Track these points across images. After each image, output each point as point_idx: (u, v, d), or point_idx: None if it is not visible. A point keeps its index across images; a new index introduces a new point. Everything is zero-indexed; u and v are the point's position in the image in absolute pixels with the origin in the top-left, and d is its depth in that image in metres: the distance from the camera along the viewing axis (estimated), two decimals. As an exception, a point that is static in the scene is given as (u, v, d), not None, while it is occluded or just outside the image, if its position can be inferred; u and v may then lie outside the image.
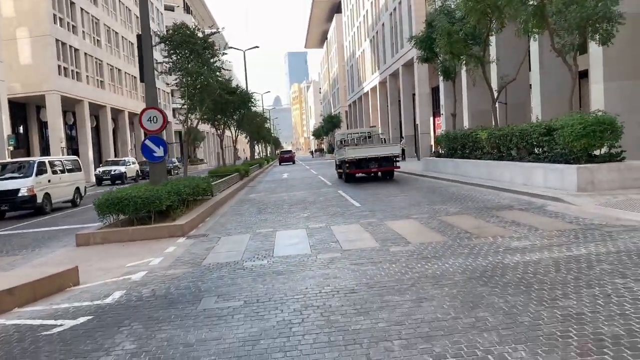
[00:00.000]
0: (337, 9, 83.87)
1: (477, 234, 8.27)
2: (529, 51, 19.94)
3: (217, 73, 18.34)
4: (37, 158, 19.93)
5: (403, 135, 43.44)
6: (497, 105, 19.08)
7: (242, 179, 26.77)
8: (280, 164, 60.33)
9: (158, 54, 20.31)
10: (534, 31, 14.45)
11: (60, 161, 20.40)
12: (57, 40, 36.72)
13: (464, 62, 19.02)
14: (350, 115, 78.63)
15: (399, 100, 45.19)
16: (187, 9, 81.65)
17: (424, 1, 35.38)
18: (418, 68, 36.62)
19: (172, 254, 8.76)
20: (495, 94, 18.94)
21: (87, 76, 41.63)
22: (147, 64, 12.68)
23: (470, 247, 7.35)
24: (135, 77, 50.77)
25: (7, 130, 30.88)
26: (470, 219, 9.80)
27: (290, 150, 73.18)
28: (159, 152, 12.69)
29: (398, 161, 21.50)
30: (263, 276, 6.62)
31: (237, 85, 34.08)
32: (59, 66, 36.87)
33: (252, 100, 34.01)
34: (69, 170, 20.29)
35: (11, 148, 34.42)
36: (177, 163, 49.21)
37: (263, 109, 72.26)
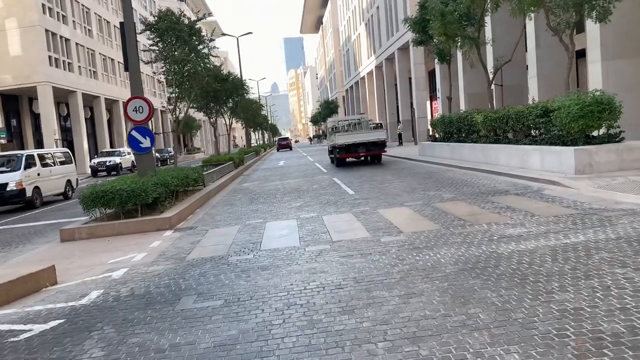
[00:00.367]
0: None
1: (472, 221, 7.98)
2: (525, 31, 19.52)
3: (206, 60, 17.89)
4: (25, 151, 19.55)
5: (400, 119, 43.02)
6: (492, 87, 18.69)
7: (236, 168, 26.34)
8: (277, 151, 65.57)
9: (148, 42, 19.84)
10: (530, 9, 14.01)
11: (51, 154, 20.02)
12: (46, 31, 36.08)
13: (459, 43, 18.57)
14: (347, 100, 78.01)
15: (396, 85, 44.71)
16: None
17: (418, -18, 34.75)
18: (414, 51, 36.14)
19: (156, 248, 8.47)
20: (491, 76, 18.56)
21: (79, 66, 41.04)
22: (131, 52, 12.28)
23: (463, 235, 7.07)
24: (129, 67, 50.03)
25: (-2, 123, 30.51)
26: (465, 206, 9.50)
27: (288, 138, 78.69)
28: (145, 142, 12.35)
29: (385, 145, 22.29)
30: (247, 272, 6.33)
31: (229, 72, 33.58)
32: (50, 57, 36.27)
33: (246, 87, 33.56)
34: (61, 163, 19.98)
35: (3, 141, 34.05)
36: (172, 152, 48.76)
37: (259, 95, 72.02)
